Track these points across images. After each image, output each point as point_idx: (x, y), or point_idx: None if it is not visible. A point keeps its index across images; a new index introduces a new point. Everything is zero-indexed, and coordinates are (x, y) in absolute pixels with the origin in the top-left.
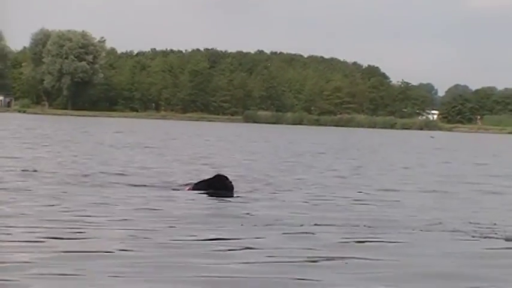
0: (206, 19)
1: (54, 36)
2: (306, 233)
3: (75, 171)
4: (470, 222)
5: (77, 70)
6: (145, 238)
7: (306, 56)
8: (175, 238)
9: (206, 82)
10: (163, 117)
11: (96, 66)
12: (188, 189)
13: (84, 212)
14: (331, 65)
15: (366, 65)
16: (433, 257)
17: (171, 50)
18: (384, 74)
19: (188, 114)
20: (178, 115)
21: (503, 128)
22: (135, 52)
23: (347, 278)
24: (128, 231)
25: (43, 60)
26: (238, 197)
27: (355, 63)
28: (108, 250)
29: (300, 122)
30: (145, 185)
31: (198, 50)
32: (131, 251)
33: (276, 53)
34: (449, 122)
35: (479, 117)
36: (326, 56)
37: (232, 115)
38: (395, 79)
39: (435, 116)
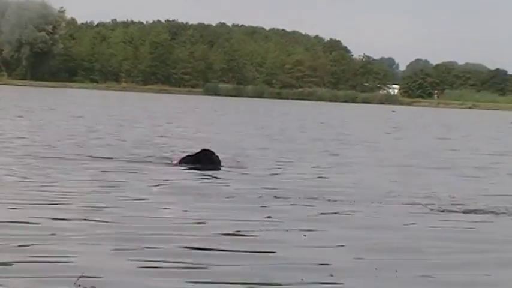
0: None
1: (13, 5)
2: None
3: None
4: (429, 196)
5: (36, 40)
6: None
7: (267, 29)
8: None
9: (167, 54)
10: (124, 89)
11: (56, 36)
12: (175, 164)
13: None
14: (293, 38)
15: (328, 39)
16: (393, 230)
17: (132, 21)
18: (345, 47)
19: (149, 86)
20: (138, 87)
21: (463, 102)
22: (96, 23)
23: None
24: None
25: (2, 29)
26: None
27: (316, 37)
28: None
29: (261, 95)
30: (126, 159)
31: (159, 21)
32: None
33: (237, 25)
34: (410, 96)
35: (436, 91)
36: (288, 29)
37: (193, 87)
38: (356, 53)
39: (396, 91)
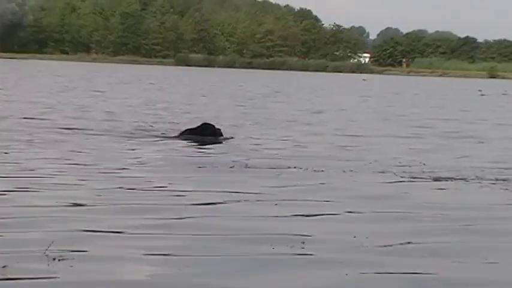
0: None
1: None
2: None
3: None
4: (400, 163)
5: (6, 12)
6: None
7: None
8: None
9: (137, 24)
10: (94, 60)
11: (26, 8)
12: (175, 137)
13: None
14: (263, 7)
15: (298, 8)
16: (363, 199)
17: None
18: (316, 16)
19: (119, 57)
20: (109, 58)
21: (433, 70)
22: None
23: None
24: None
25: None
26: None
27: (287, 6)
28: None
29: (232, 65)
30: (123, 135)
31: None
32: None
33: None
34: (380, 65)
35: (405, 60)
36: None
37: (163, 58)
38: (327, 22)
39: (367, 59)
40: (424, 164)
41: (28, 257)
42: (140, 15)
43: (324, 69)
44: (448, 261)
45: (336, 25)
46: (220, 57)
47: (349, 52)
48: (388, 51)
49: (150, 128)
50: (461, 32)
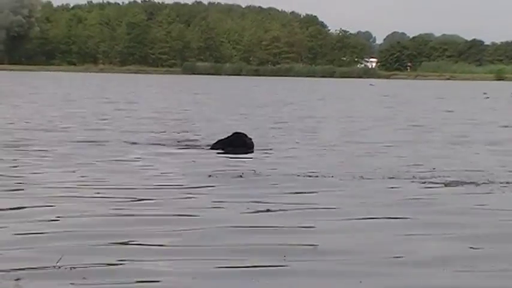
0: None
1: None
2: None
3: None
4: (409, 165)
5: (12, 24)
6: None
7: (244, 6)
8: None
9: (144, 34)
10: (102, 71)
11: (32, 19)
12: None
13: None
14: (269, 14)
15: (304, 14)
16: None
17: (108, 2)
18: (322, 22)
19: (126, 67)
20: (116, 68)
21: (441, 74)
22: (71, 5)
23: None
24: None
25: None
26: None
27: (293, 13)
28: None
29: (239, 73)
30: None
31: (135, 1)
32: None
33: (213, 3)
34: (387, 69)
35: (410, 64)
36: (264, 6)
37: (170, 67)
38: (333, 28)
39: (373, 64)
40: (434, 169)
41: (40, 272)
42: (146, 24)
43: (331, 75)
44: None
45: (342, 30)
46: (227, 64)
47: (356, 57)
48: (395, 56)
49: (183, 138)
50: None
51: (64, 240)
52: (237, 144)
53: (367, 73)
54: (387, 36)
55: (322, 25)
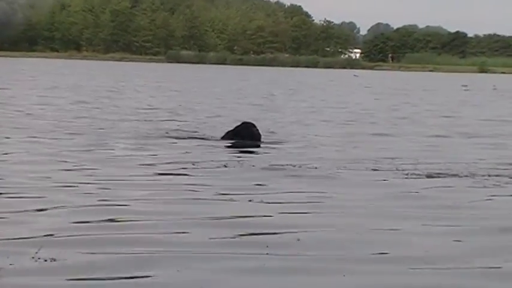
0: None
1: None
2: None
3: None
4: (392, 158)
5: None
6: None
7: None
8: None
9: (128, 22)
10: (85, 58)
11: (15, 6)
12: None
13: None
14: (254, 4)
15: (289, 4)
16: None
17: None
18: (306, 12)
19: (110, 55)
20: (100, 55)
21: (424, 66)
22: None
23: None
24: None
25: None
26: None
27: (277, 2)
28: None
29: (223, 62)
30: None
31: None
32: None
33: None
34: (371, 60)
35: (391, 55)
36: None
37: (154, 55)
38: (317, 18)
39: (357, 55)
40: (418, 161)
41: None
42: (130, 12)
43: (315, 65)
44: None
45: (327, 21)
46: (211, 53)
47: (340, 48)
48: (379, 47)
49: (192, 131)
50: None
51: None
52: (243, 135)
53: (351, 64)
54: (371, 27)
55: (307, 15)
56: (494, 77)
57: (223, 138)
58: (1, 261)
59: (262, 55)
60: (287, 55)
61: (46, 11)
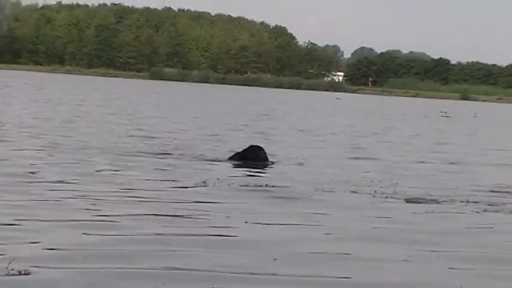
0: None
1: None
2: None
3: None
4: (372, 181)
5: None
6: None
7: (213, 14)
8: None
9: (112, 37)
10: (68, 72)
11: (0, 17)
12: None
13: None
14: (239, 24)
15: (274, 25)
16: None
17: (77, 4)
18: (291, 34)
19: (93, 70)
20: (83, 70)
21: (407, 91)
22: (40, 5)
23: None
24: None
25: None
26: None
27: (262, 23)
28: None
29: (206, 80)
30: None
31: (104, 4)
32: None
33: (183, 10)
34: (354, 84)
35: (371, 79)
36: (234, 15)
37: (138, 71)
38: (302, 40)
39: (341, 78)
40: (397, 184)
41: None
42: (115, 28)
43: (298, 86)
44: None
45: (311, 43)
46: (195, 72)
47: (323, 70)
48: (362, 71)
49: (197, 151)
50: (435, 52)
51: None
52: (251, 157)
53: (333, 86)
54: (355, 51)
55: (291, 36)
56: (475, 104)
57: (230, 158)
58: None
59: (246, 75)
60: (270, 76)
61: (31, 23)
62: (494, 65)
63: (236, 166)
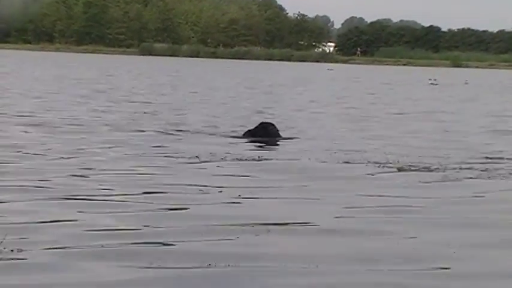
0: None
1: None
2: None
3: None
4: (366, 151)
5: None
6: None
7: None
8: None
9: (101, 14)
10: (58, 50)
11: None
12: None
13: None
14: None
15: None
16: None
17: None
18: (280, 6)
19: (83, 47)
20: (72, 47)
21: (398, 60)
22: None
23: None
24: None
25: None
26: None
27: None
28: None
29: (196, 55)
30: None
31: None
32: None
33: None
34: (345, 54)
35: (359, 49)
36: None
37: (127, 47)
38: (291, 11)
39: (331, 49)
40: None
41: None
42: (104, 4)
43: (288, 58)
44: None
45: (301, 14)
46: (185, 46)
47: (314, 41)
48: (353, 41)
49: (213, 127)
50: (425, 20)
51: None
52: (263, 133)
53: (324, 57)
54: (345, 21)
55: (280, 8)
56: (467, 71)
57: (243, 135)
58: None
59: (236, 48)
60: (260, 48)
61: (18, 2)
62: (485, 31)
63: (249, 142)
